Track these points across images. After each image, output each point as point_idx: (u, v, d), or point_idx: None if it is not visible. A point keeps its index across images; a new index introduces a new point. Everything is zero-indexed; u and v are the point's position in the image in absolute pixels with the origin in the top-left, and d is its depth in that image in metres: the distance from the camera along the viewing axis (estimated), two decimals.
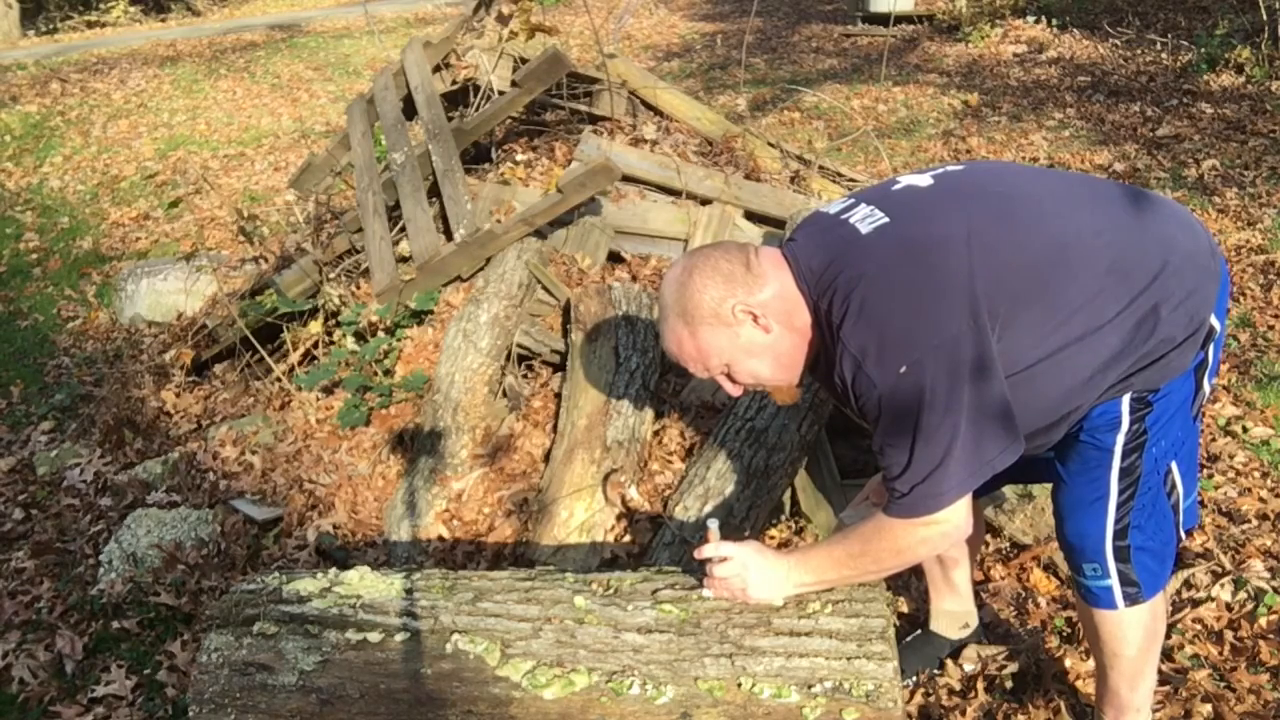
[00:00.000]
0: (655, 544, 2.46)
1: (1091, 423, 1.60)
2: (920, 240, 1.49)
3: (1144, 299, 1.50)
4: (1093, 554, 1.68)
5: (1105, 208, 1.57)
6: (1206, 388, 1.67)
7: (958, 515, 1.51)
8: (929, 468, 1.46)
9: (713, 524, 1.69)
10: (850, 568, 1.61)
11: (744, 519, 2.48)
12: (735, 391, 1.67)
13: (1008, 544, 2.58)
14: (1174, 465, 1.66)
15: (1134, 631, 1.73)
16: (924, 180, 1.62)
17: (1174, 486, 1.67)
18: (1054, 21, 8.27)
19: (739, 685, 1.56)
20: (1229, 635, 2.23)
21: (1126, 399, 1.57)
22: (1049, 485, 1.81)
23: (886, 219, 1.53)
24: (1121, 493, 1.63)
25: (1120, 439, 1.59)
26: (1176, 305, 1.52)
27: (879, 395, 1.45)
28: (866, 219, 1.55)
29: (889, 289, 1.46)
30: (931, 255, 1.47)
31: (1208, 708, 2.04)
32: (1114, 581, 1.68)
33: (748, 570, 1.63)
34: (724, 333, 1.57)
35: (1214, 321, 1.58)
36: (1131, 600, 1.69)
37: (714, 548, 1.65)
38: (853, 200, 1.63)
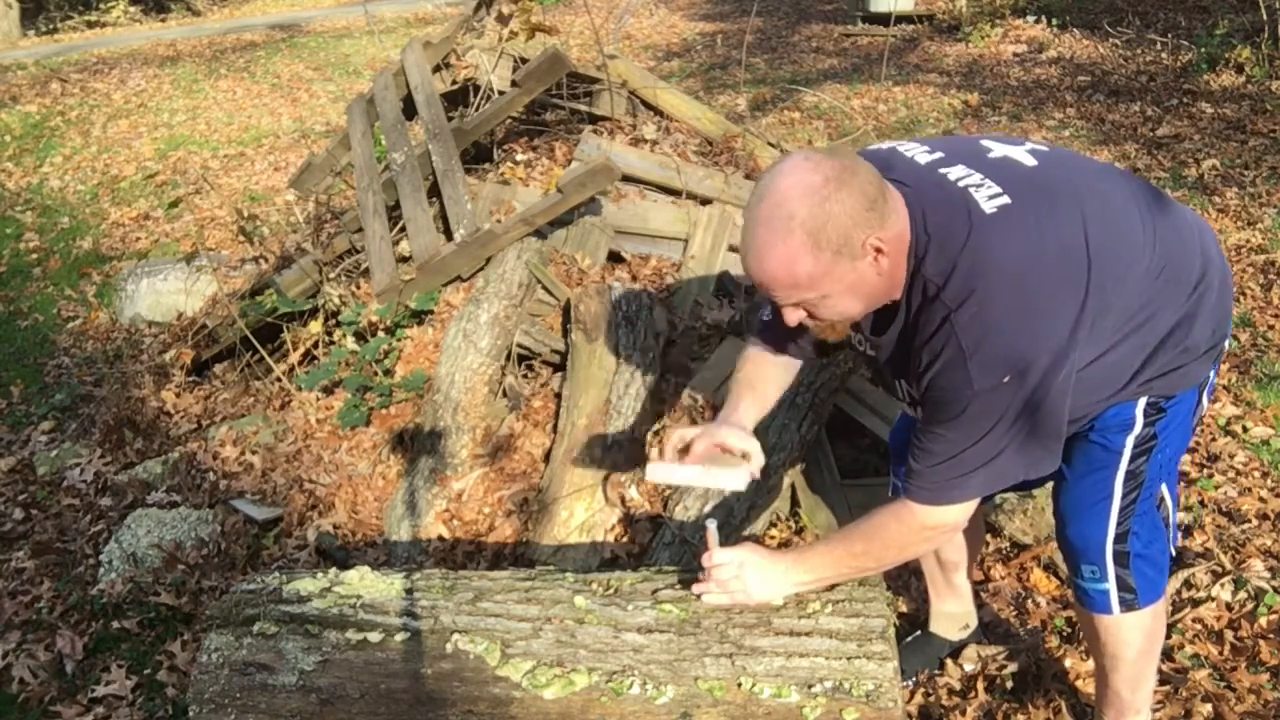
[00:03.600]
0: (655, 544, 2.46)
1: (1104, 422, 1.60)
2: (1050, 244, 1.40)
3: (1185, 307, 1.51)
4: (1093, 556, 1.68)
5: (1155, 213, 1.55)
6: (1205, 402, 1.68)
7: (967, 512, 1.51)
8: (970, 466, 1.44)
9: (711, 524, 1.69)
10: (849, 564, 1.60)
11: (744, 519, 2.48)
12: (795, 320, 1.50)
13: (1008, 544, 2.58)
14: (1163, 485, 1.68)
15: (1134, 635, 1.73)
16: (1022, 155, 1.53)
17: (1162, 499, 1.68)
18: (1054, 21, 8.27)
19: (739, 685, 1.56)
20: (1229, 635, 2.23)
21: (1143, 402, 1.57)
22: (1049, 484, 1.82)
23: (1007, 199, 1.42)
24: (1125, 496, 1.63)
25: (1130, 441, 1.59)
26: (1206, 317, 1.53)
27: (971, 394, 1.38)
28: (981, 189, 1.44)
29: (1016, 292, 1.37)
30: (1060, 267, 1.40)
31: (1208, 707, 2.04)
32: (1111, 585, 1.68)
33: (745, 570, 1.62)
34: (844, 265, 1.38)
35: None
36: (1127, 606, 1.69)
37: (708, 558, 1.65)
38: (940, 154, 1.52)
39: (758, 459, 1.71)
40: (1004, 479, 1.46)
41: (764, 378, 1.81)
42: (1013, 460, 1.44)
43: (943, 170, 1.49)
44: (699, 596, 1.66)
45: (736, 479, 1.69)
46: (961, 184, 1.45)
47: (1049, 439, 1.45)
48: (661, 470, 1.71)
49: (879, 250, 1.39)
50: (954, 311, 1.38)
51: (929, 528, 1.53)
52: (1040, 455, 1.45)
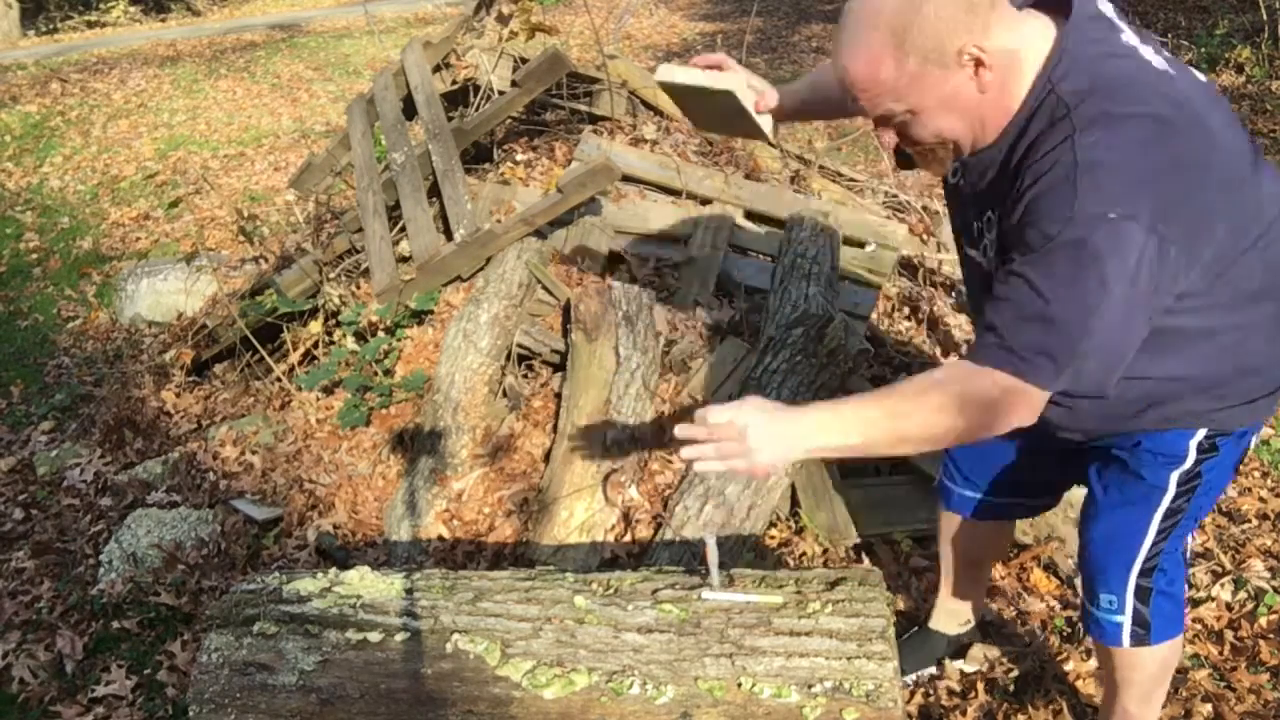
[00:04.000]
0: (655, 544, 2.46)
1: (1154, 444, 1.51)
2: (1199, 124, 1.27)
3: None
4: (1114, 586, 1.62)
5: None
6: (1252, 441, 1.61)
7: (1042, 400, 1.29)
8: (1053, 329, 1.24)
9: (710, 539, 1.65)
10: (887, 428, 1.34)
11: (744, 519, 2.47)
12: (888, 141, 1.37)
13: (1007, 544, 2.58)
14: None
15: (1147, 660, 1.71)
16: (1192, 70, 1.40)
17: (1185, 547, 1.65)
18: None
19: (739, 685, 1.56)
20: (1229, 635, 2.23)
21: (1200, 434, 1.48)
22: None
23: (1171, 71, 1.30)
24: (1160, 532, 1.57)
25: (1175, 477, 1.52)
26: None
27: (1069, 217, 1.20)
28: (1148, 50, 1.32)
29: (1153, 133, 1.23)
30: (1202, 150, 1.26)
31: (1208, 707, 2.04)
32: (1126, 619, 1.63)
33: (750, 428, 1.35)
34: (934, 74, 1.25)
35: None
36: (1138, 641, 1.64)
37: (699, 429, 1.41)
38: (1110, 16, 1.37)
39: (771, 96, 1.71)
40: (1097, 358, 1.27)
41: (829, 94, 1.64)
42: (1102, 344, 1.25)
43: (1111, 29, 1.35)
44: (700, 597, 1.61)
45: (737, 83, 1.69)
46: (1127, 39, 1.33)
47: (1131, 341, 1.27)
48: (672, 69, 1.73)
49: (979, 62, 1.24)
50: (1078, 131, 1.22)
51: (1007, 390, 1.27)
52: (1120, 353, 1.27)
